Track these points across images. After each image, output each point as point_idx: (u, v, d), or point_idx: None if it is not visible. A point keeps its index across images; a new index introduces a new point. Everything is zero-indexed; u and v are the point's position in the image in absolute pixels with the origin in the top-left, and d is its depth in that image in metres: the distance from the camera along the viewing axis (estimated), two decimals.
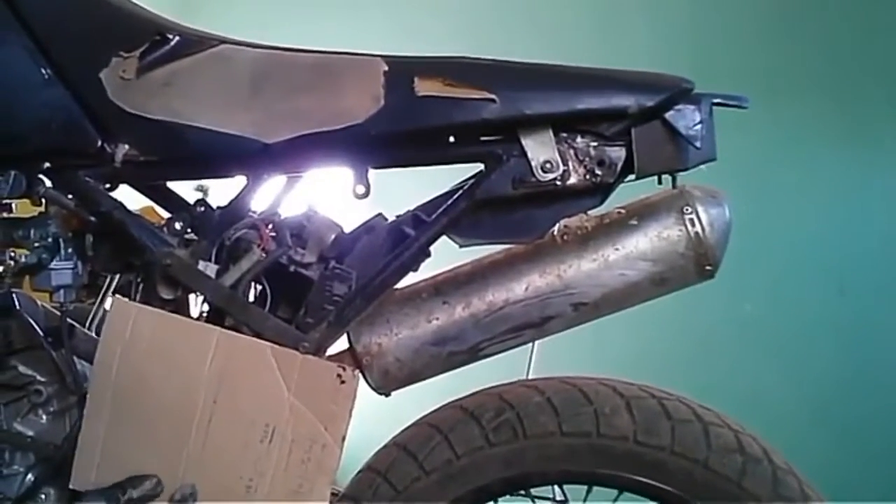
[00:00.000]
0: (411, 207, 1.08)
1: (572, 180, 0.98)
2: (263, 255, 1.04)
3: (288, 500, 0.98)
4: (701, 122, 0.95)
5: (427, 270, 1.10)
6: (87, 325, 1.19)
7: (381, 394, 1.11)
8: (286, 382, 0.99)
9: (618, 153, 0.97)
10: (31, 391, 1.12)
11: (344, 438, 0.99)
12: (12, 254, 1.16)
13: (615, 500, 1.05)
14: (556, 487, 1.14)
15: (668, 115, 0.95)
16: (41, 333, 1.11)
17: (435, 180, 1.08)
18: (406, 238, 1.04)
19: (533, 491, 1.09)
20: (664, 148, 0.96)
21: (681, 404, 1.00)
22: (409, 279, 1.09)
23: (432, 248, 1.06)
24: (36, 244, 1.13)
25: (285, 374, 0.99)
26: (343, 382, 0.99)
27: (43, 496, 1.08)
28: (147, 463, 1.01)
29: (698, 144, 0.94)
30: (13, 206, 1.18)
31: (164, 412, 1.00)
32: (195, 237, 1.09)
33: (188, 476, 0.99)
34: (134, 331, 1.01)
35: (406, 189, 1.15)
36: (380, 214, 1.09)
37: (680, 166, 0.97)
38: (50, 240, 1.12)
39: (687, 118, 0.95)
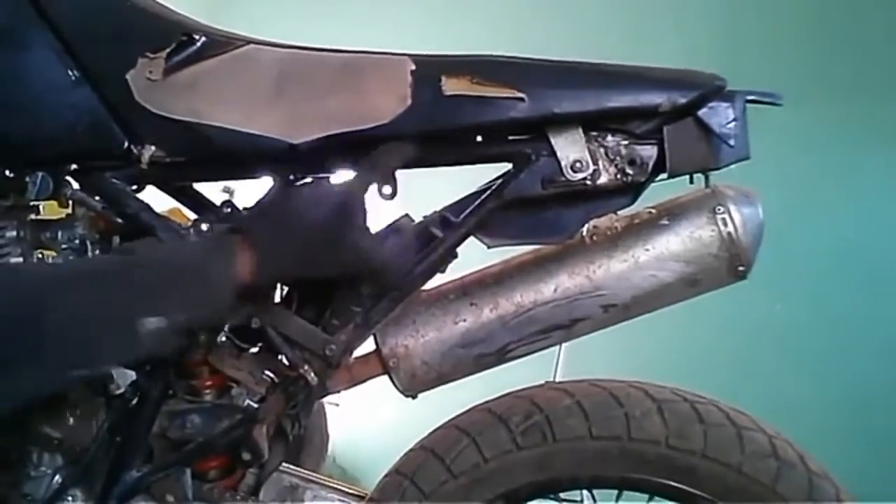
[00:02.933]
0: (438, 208, 1.07)
1: (603, 180, 0.96)
2: None
3: None
4: (734, 119, 0.93)
5: (454, 271, 1.09)
6: None
7: (407, 396, 1.11)
8: None
9: (649, 152, 0.95)
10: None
11: None
12: (40, 255, 1.16)
13: None
14: (584, 491, 1.12)
15: (701, 112, 0.93)
16: None
17: (461, 180, 1.07)
18: (433, 239, 1.03)
19: (561, 494, 1.07)
20: (697, 146, 0.94)
21: (713, 408, 0.98)
22: (436, 280, 1.09)
23: (459, 249, 1.04)
24: (63, 246, 1.13)
25: None
26: None
27: (70, 498, 1.08)
28: None
29: (732, 143, 0.93)
30: (40, 207, 1.19)
31: None
32: None
33: None
34: None
35: (432, 189, 1.14)
36: (406, 215, 1.08)
37: (713, 165, 0.95)
38: (77, 242, 1.12)
39: (720, 116, 0.93)
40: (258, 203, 1.01)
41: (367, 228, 0.96)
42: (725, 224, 1.01)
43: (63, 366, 0.82)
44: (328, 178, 1.07)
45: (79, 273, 0.90)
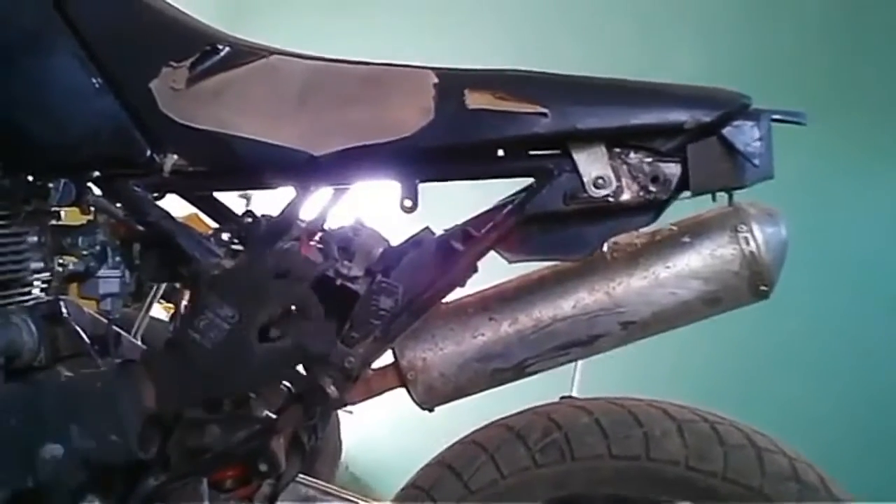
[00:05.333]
0: (459, 222, 1.06)
1: (625, 197, 0.96)
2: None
3: None
4: (760, 138, 0.92)
5: (474, 285, 1.09)
6: (133, 332, 1.19)
7: (425, 409, 1.10)
8: None
9: (672, 169, 0.95)
10: None
11: None
12: (61, 261, 1.17)
13: None
14: None
15: (725, 131, 0.93)
16: (88, 341, 1.12)
17: (478, 194, 1.07)
18: (454, 253, 1.02)
19: None
20: (721, 165, 0.93)
21: (733, 429, 0.97)
22: (456, 293, 1.08)
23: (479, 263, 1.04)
24: (84, 252, 1.13)
25: None
26: None
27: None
28: None
29: (756, 162, 0.92)
30: (62, 213, 1.19)
31: None
32: (242, 248, 1.08)
33: None
34: None
35: (451, 202, 1.13)
36: (427, 228, 1.08)
37: (737, 184, 0.94)
38: (98, 248, 1.13)
39: (745, 134, 0.92)
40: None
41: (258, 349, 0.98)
42: (748, 243, 1.00)
43: None
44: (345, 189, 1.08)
45: None
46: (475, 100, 0.96)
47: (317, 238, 1.08)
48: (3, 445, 0.96)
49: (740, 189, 0.95)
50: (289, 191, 1.07)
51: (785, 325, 2.14)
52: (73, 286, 1.17)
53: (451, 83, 0.97)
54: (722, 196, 0.99)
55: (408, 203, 1.01)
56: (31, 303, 1.15)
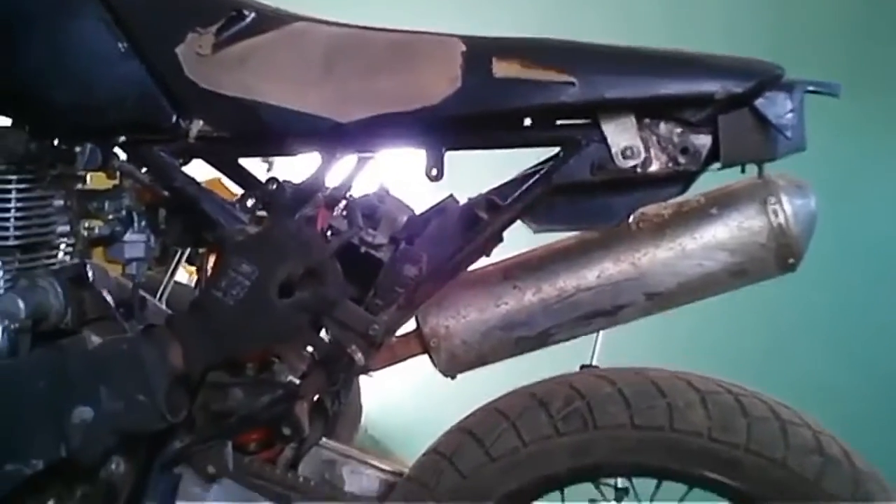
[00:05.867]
0: (483, 190, 1.06)
1: (654, 168, 0.95)
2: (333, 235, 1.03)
3: None
4: (792, 110, 0.91)
5: (497, 254, 1.08)
6: (158, 296, 1.20)
7: (447, 376, 1.11)
8: None
9: (702, 141, 0.94)
10: None
11: None
12: (87, 225, 1.17)
13: (684, 496, 1.03)
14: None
15: (758, 102, 0.91)
16: (113, 304, 1.13)
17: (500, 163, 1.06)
18: (479, 222, 1.02)
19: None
20: (752, 136, 0.92)
21: (758, 401, 0.97)
22: (480, 262, 1.08)
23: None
24: (110, 216, 1.14)
25: None
26: None
27: (114, 465, 1.10)
28: None
29: (789, 134, 0.91)
30: (88, 178, 1.20)
31: None
32: (267, 214, 1.09)
33: None
34: None
35: (472, 171, 1.13)
36: (451, 196, 1.07)
37: (768, 156, 0.93)
38: (123, 212, 1.13)
39: (777, 106, 0.91)
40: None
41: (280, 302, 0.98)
42: (776, 214, 0.99)
43: None
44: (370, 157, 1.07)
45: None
46: (503, 68, 0.94)
47: (341, 205, 1.08)
48: (35, 412, 0.98)
49: (771, 161, 0.94)
50: (313, 157, 1.07)
51: (810, 297, 2.12)
52: (99, 250, 1.18)
53: (479, 51, 0.96)
54: (750, 168, 0.98)
55: (433, 172, 1.00)
56: (58, 266, 1.16)
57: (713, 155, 0.94)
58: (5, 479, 0.96)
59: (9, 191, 1.10)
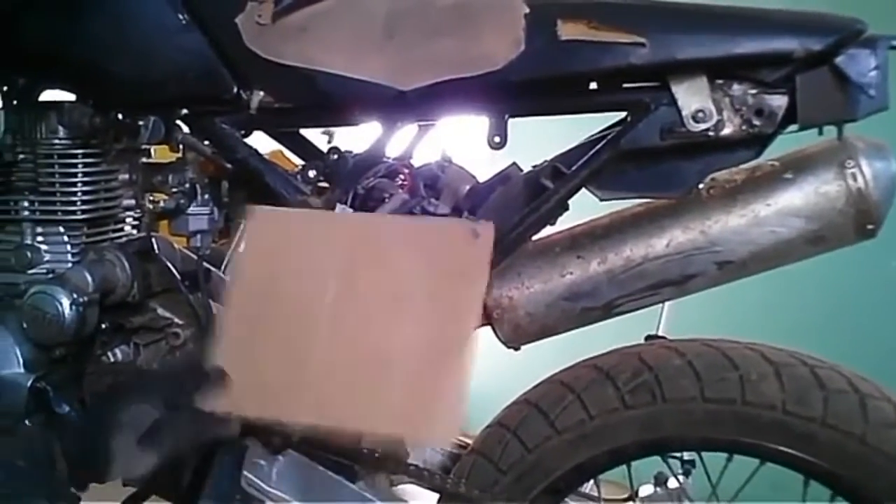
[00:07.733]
0: (547, 157, 1.03)
1: (727, 131, 0.91)
2: (407, 199, 1.02)
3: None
4: (875, 67, 0.86)
5: (563, 222, 1.06)
6: (223, 268, 1.21)
7: (510, 347, 1.09)
8: (420, 251, 0.96)
9: (779, 102, 0.89)
10: (168, 333, 1.16)
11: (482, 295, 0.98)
12: (151, 198, 1.19)
13: (755, 470, 1.00)
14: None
15: (838, 59, 0.87)
16: (178, 277, 1.14)
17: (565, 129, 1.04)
18: (544, 190, 1.00)
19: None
20: (832, 96, 0.88)
21: (835, 373, 0.93)
22: (544, 231, 1.06)
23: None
24: (174, 189, 1.15)
25: (418, 244, 0.97)
26: (477, 237, 0.95)
27: None
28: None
29: (872, 93, 0.86)
30: (152, 151, 1.21)
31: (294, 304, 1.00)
32: (328, 185, 1.08)
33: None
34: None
35: (535, 138, 1.10)
36: (514, 164, 1.05)
37: (849, 116, 0.88)
38: (187, 185, 1.15)
39: (860, 63, 0.86)
40: None
41: None
42: (855, 179, 0.94)
43: None
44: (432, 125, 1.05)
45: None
46: (568, 30, 0.91)
47: (403, 175, 1.07)
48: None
49: (852, 122, 0.89)
50: (374, 127, 1.05)
51: (890, 264, 2.04)
52: (164, 223, 1.19)
53: (543, 13, 0.93)
54: (828, 130, 0.94)
55: (497, 139, 0.98)
56: (124, 239, 1.18)
57: (789, 116, 0.89)
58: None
59: (75, 165, 1.12)
